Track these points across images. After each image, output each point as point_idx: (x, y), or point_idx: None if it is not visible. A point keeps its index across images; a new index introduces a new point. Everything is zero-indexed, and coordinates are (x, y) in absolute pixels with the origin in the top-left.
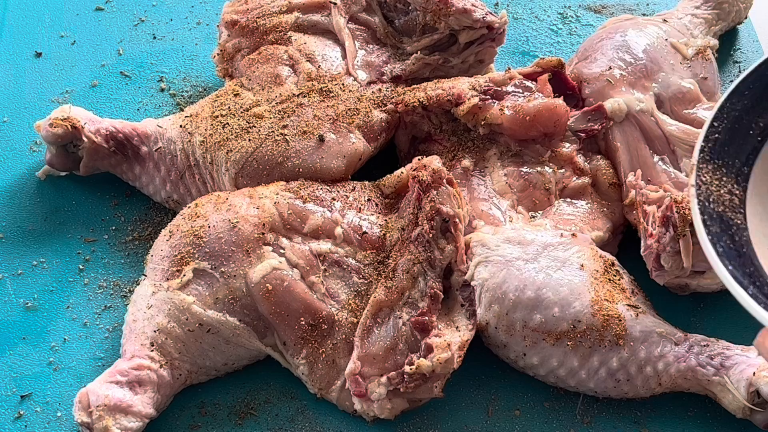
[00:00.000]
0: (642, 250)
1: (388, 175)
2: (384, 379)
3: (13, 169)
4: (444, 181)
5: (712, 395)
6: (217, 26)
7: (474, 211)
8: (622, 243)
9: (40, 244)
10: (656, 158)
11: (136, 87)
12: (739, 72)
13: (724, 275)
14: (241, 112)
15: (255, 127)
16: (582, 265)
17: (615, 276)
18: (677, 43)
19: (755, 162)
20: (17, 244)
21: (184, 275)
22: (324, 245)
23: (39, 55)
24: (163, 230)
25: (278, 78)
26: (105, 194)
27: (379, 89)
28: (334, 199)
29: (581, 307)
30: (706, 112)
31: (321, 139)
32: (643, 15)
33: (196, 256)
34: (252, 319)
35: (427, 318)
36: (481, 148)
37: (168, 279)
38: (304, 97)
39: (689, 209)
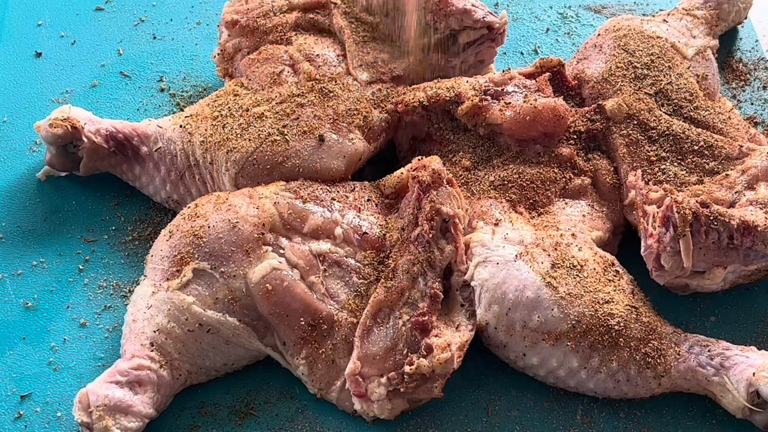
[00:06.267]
0: (642, 250)
1: (388, 175)
2: (384, 379)
3: (13, 169)
4: (444, 181)
5: (712, 395)
6: (218, 26)
7: (474, 212)
8: (622, 243)
9: (40, 244)
10: (656, 158)
11: (136, 87)
12: (739, 71)
13: None
14: (241, 112)
15: (255, 127)
16: (582, 265)
17: (615, 276)
18: (677, 43)
19: None
20: (17, 244)
21: (184, 275)
22: (324, 245)
23: (39, 55)
24: (163, 230)
25: (278, 78)
26: (105, 194)
27: (379, 89)
28: (333, 199)
29: (581, 307)
30: (705, 112)
31: (321, 139)
32: (643, 15)
33: (196, 256)
34: (252, 319)
35: (427, 318)
36: (481, 148)
37: (168, 279)
38: (304, 97)
39: (689, 209)
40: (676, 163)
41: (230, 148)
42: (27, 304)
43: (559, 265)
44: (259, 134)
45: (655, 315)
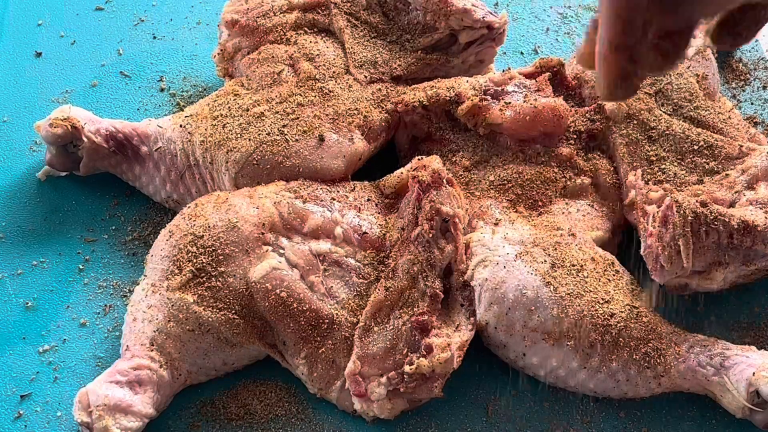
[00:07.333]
0: (642, 250)
1: (388, 175)
2: (384, 379)
3: (13, 169)
4: (444, 181)
5: (712, 395)
6: (218, 26)
7: (474, 211)
8: (622, 243)
9: (40, 244)
10: (656, 158)
11: (136, 87)
12: (739, 71)
13: None
14: (241, 112)
15: (255, 126)
16: (582, 266)
17: (615, 276)
18: None
19: None
20: (17, 244)
21: (184, 275)
22: (324, 245)
23: (39, 55)
24: (163, 230)
25: (278, 78)
26: (105, 194)
27: (379, 89)
28: (333, 199)
29: (581, 307)
30: (705, 112)
31: (321, 139)
32: None
33: (196, 255)
34: (252, 318)
35: (426, 318)
36: (481, 148)
37: (168, 279)
38: (304, 96)
39: (689, 209)
40: (676, 163)
41: (230, 148)
42: (27, 304)
43: (559, 265)
44: (259, 134)
45: (655, 315)
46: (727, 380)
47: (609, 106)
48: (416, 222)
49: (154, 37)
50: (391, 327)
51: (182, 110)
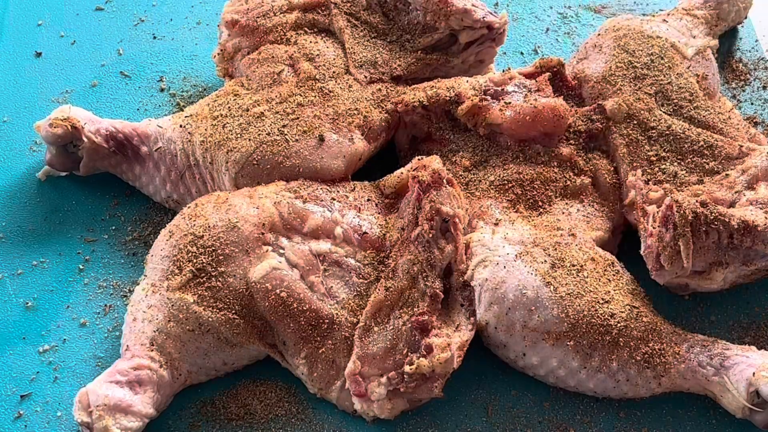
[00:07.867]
0: (642, 250)
1: (388, 175)
2: (384, 379)
3: (13, 169)
4: (444, 181)
5: (712, 395)
6: (218, 26)
7: (474, 211)
8: (622, 243)
9: (40, 244)
10: (656, 158)
11: (136, 87)
12: (739, 71)
13: None
14: (241, 112)
15: (255, 127)
16: (582, 265)
17: (615, 276)
18: (677, 43)
19: None
20: (17, 244)
21: (184, 275)
22: (324, 245)
23: (39, 55)
24: (163, 230)
25: (278, 78)
26: (105, 194)
27: (379, 89)
28: (333, 199)
29: (581, 307)
30: (705, 112)
31: (321, 139)
32: (643, 15)
33: (196, 255)
34: (252, 318)
35: (427, 318)
36: (481, 148)
37: (168, 279)
38: (304, 96)
39: (689, 209)
40: (676, 163)
41: (230, 148)
42: (27, 304)
43: (559, 265)
44: (259, 134)
45: (655, 315)
46: (727, 380)
47: (609, 106)
48: (416, 222)
49: (154, 37)
50: (391, 327)
51: (182, 110)
